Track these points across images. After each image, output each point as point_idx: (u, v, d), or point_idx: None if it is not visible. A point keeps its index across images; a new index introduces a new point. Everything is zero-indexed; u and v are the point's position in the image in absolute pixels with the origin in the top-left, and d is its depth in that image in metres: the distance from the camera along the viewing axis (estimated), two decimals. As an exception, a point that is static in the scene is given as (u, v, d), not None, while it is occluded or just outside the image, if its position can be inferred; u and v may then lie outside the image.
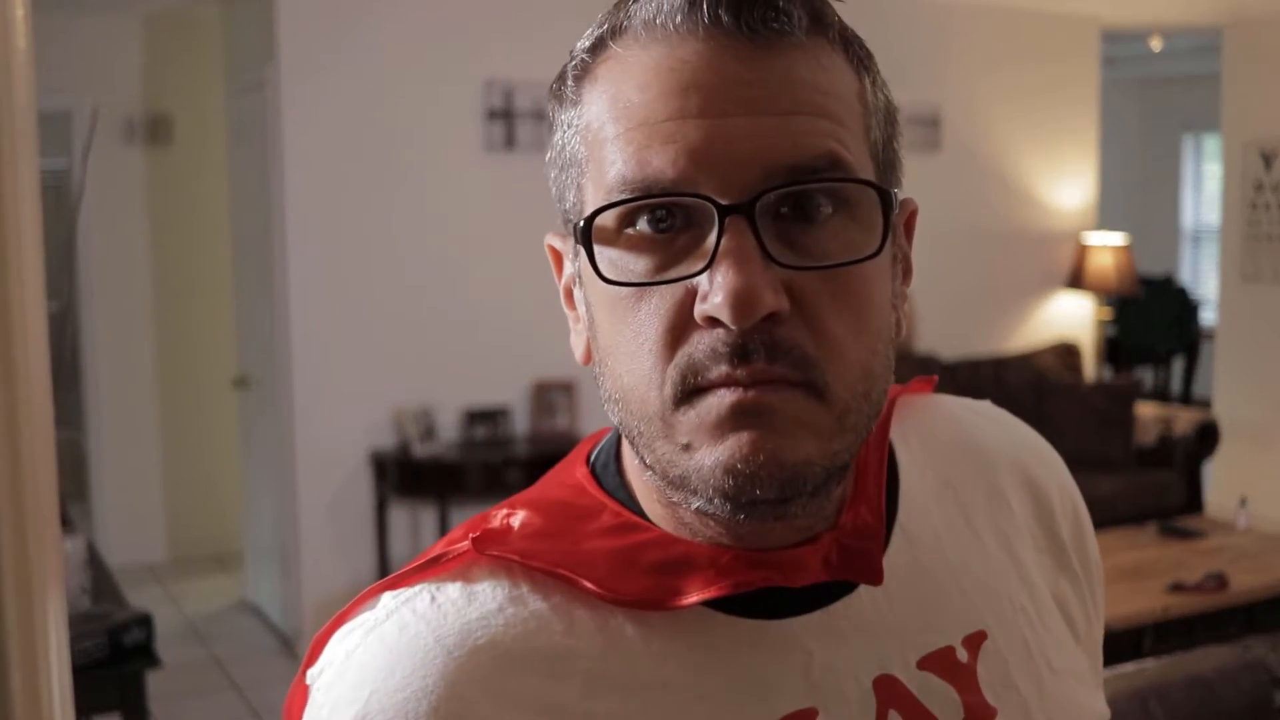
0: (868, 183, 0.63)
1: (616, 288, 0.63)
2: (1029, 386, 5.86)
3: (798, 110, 0.62)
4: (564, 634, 0.65)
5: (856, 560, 0.68)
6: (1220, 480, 6.26)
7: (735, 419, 0.61)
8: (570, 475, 0.74)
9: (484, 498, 4.80)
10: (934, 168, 5.92)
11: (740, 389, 0.61)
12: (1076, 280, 6.38)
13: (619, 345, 0.64)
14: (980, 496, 0.77)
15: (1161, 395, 8.69)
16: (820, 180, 0.62)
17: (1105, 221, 7.04)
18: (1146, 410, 6.19)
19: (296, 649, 4.85)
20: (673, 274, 0.62)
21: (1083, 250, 6.39)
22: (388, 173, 4.87)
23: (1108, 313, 7.26)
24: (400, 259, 4.89)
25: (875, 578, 0.68)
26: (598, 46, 0.66)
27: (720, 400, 0.61)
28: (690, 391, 0.62)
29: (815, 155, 0.62)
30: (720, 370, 0.61)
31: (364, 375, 4.86)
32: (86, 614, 2.90)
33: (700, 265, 0.61)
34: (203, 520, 6.11)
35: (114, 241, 5.87)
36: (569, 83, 0.67)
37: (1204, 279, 9.51)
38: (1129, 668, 2.48)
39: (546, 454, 4.88)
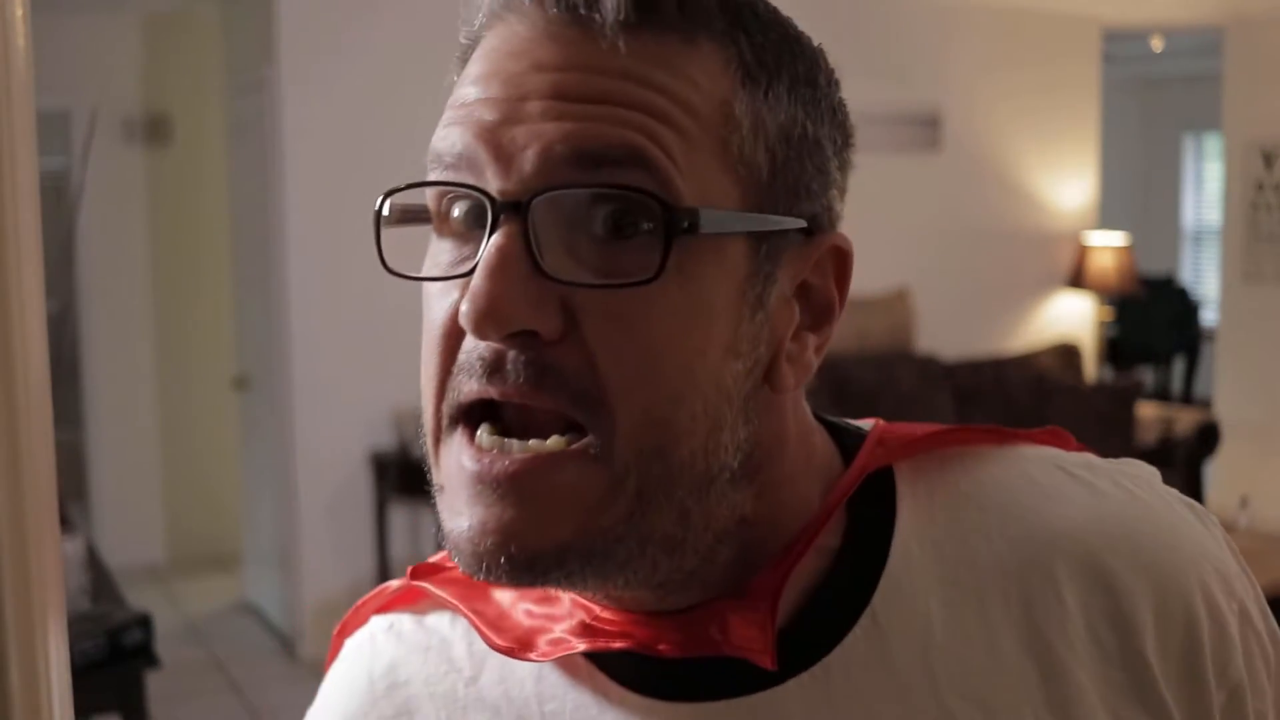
0: (648, 193, 0.53)
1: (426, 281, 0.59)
2: (1029, 387, 5.85)
3: (605, 99, 0.53)
4: (469, 682, 0.63)
5: (743, 633, 0.57)
6: (1221, 480, 6.26)
7: (473, 492, 0.54)
8: None
9: (484, 498, 4.80)
10: (934, 168, 5.91)
11: (483, 459, 0.54)
12: (1077, 280, 6.38)
13: (422, 347, 0.60)
14: (1011, 583, 0.60)
15: (1162, 395, 8.69)
16: (591, 185, 0.53)
17: (1106, 221, 7.03)
18: (1147, 411, 6.18)
19: (296, 649, 4.84)
20: (456, 270, 0.57)
21: (1083, 250, 6.38)
22: (387, 173, 4.83)
23: (1108, 313, 7.25)
24: (400, 259, 4.89)
25: (763, 659, 0.56)
26: (466, 47, 0.62)
27: (462, 467, 0.55)
28: (456, 410, 0.57)
29: (609, 145, 0.53)
30: (471, 386, 0.55)
31: (364, 375, 4.86)
32: (86, 614, 2.90)
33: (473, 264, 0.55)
34: (202, 520, 6.10)
35: (113, 241, 5.87)
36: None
37: (1205, 279, 9.50)
38: (1130, 668, 2.47)
39: (546, 454, 4.87)
